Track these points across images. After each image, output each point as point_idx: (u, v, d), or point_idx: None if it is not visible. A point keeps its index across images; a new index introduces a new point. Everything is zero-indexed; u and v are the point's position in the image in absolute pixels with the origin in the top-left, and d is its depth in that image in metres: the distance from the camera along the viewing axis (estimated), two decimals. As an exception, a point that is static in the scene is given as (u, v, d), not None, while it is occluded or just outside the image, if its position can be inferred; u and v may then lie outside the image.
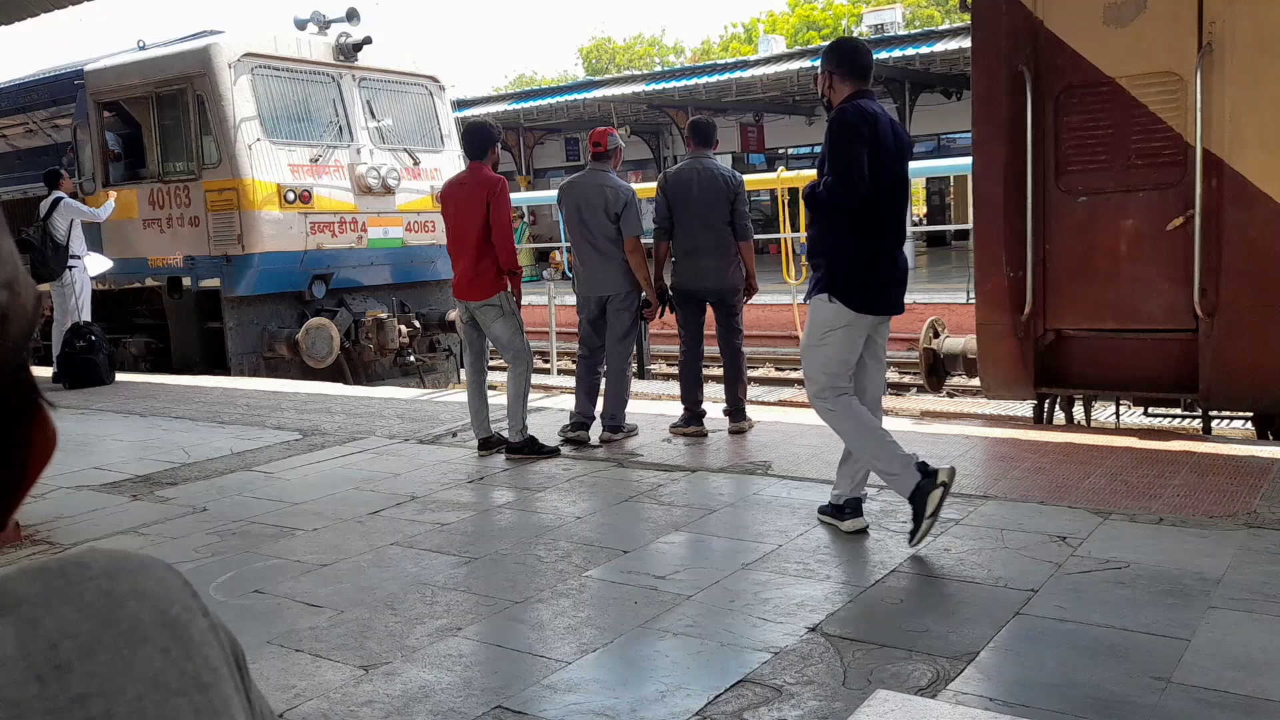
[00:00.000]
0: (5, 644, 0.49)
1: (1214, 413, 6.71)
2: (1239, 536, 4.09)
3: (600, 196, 6.28)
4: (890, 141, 4.27)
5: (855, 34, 30.90)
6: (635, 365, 13.45)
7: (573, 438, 6.32)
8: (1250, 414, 6.51)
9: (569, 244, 6.55)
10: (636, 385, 12.28)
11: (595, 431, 6.41)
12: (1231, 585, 3.60)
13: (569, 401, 6.94)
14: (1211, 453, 5.43)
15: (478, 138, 6.11)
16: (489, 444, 6.18)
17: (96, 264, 10.46)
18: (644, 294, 6.43)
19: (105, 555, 0.57)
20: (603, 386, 6.50)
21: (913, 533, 4.09)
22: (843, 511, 4.43)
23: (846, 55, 4.42)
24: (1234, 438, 6.54)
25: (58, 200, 9.93)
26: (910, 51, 20.06)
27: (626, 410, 6.50)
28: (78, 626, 0.51)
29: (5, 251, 0.49)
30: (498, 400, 6.57)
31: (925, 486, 4.07)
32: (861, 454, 4.32)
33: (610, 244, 6.30)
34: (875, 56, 20.86)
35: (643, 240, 6.44)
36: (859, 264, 4.25)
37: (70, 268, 9.93)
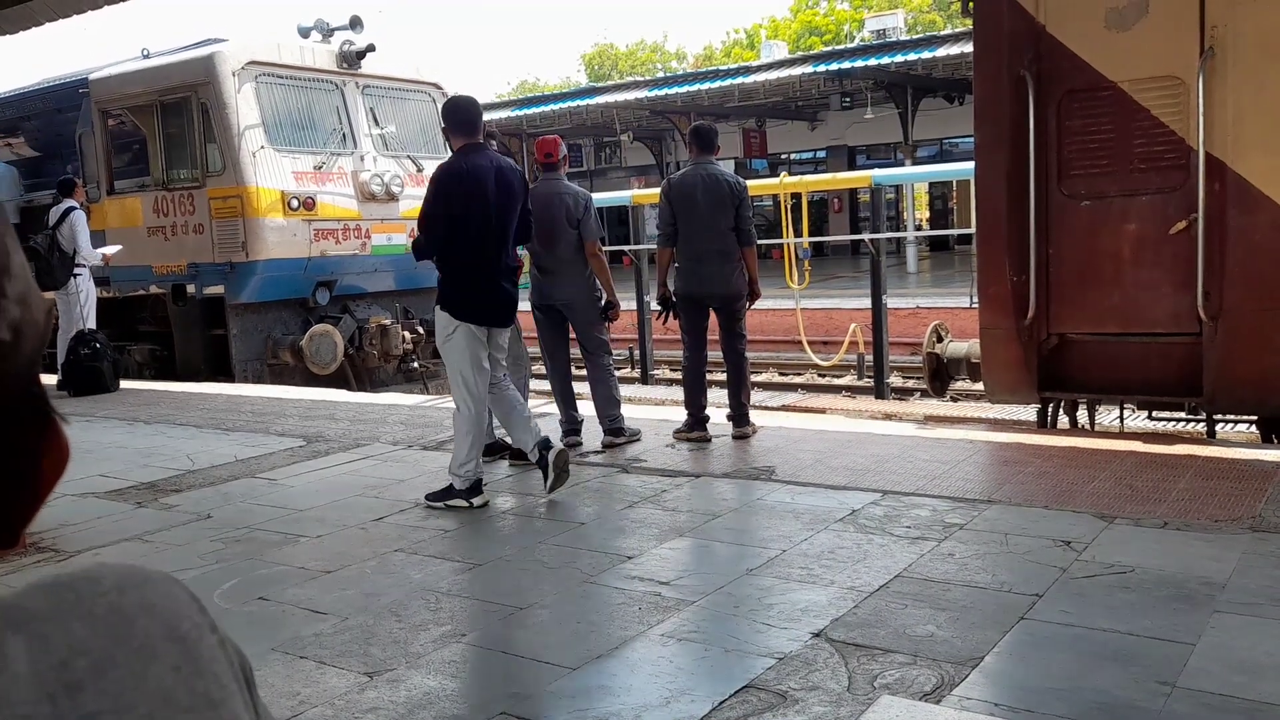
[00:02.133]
0: (17, 661, 0.48)
1: (1218, 417, 6.70)
2: (1244, 541, 4.08)
3: (560, 204, 6.28)
4: (489, 191, 5.17)
5: (858, 39, 30.96)
6: (638, 369, 13.47)
7: (566, 444, 6.34)
8: (1255, 418, 6.50)
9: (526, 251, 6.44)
10: (640, 390, 12.29)
11: (587, 435, 6.42)
12: (1237, 589, 3.59)
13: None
14: (1216, 457, 5.42)
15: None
16: (492, 450, 6.18)
17: (109, 251, 10.45)
18: (604, 297, 6.43)
19: (115, 570, 0.57)
20: (587, 391, 6.50)
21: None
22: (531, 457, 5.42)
23: (449, 113, 5.36)
24: (1239, 441, 6.53)
25: (69, 210, 9.96)
26: (912, 56, 20.07)
27: (629, 416, 6.50)
28: (89, 643, 0.50)
29: (17, 266, 0.49)
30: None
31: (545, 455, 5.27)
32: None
33: (571, 251, 6.31)
34: (878, 62, 20.83)
35: (630, 247, 6.44)
36: (457, 287, 5.26)
37: (75, 275, 9.96)
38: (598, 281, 6.41)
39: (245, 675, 0.60)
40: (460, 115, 5.30)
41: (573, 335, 6.58)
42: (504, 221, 5.28)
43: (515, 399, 5.58)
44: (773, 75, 21.88)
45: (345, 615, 3.80)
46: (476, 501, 5.23)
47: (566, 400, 6.51)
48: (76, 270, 9.98)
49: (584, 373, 6.58)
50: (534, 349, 7.00)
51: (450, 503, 5.22)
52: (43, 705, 0.47)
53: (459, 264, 5.24)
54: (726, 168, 6.81)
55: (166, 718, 0.51)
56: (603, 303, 6.42)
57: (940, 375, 7.58)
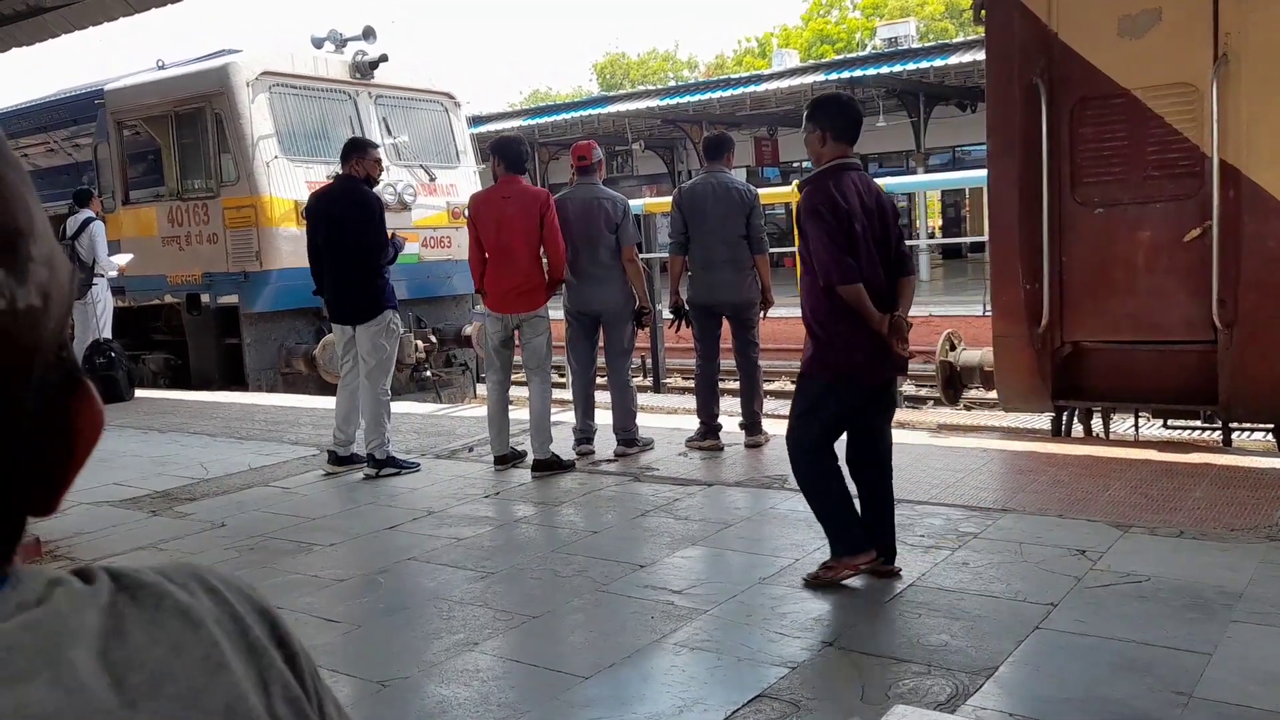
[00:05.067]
0: (85, 668, 0.45)
1: (1234, 424, 6.66)
2: (1260, 549, 4.05)
3: (598, 209, 6.26)
4: (335, 216, 6.13)
5: (870, 47, 30.93)
6: (651, 379, 13.46)
7: (579, 451, 6.35)
8: (1271, 425, 6.46)
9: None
10: (653, 399, 12.29)
11: (600, 444, 6.42)
12: (1253, 599, 3.57)
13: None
14: (1232, 465, 5.39)
15: (515, 151, 6.17)
16: (506, 460, 6.19)
17: (121, 260, 10.54)
18: (638, 303, 6.43)
19: (184, 571, 0.55)
20: (606, 400, 6.50)
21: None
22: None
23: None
24: (1255, 450, 6.49)
25: (88, 220, 10.03)
26: (924, 65, 20.06)
27: (642, 425, 6.50)
28: (148, 653, 0.48)
29: (41, 227, 0.48)
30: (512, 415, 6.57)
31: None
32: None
33: (610, 256, 6.29)
34: (890, 70, 20.76)
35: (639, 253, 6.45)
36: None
37: (92, 285, 10.02)
38: (632, 288, 6.40)
39: (316, 684, 0.57)
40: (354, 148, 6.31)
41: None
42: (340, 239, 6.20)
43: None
44: (785, 83, 21.89)
45: (358, 623, 3.81)
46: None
47: (587, 409, 6.51)
48: (94, 280, 10.04)
49: (603, 380, 6.59)
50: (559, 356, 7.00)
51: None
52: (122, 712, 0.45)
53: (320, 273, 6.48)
54: (739, 176, 6.80)
55: None
56: (636, 308, 6.42)
57: (953, 383, 7.56)
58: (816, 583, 3.96)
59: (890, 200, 4.21)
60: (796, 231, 4.22)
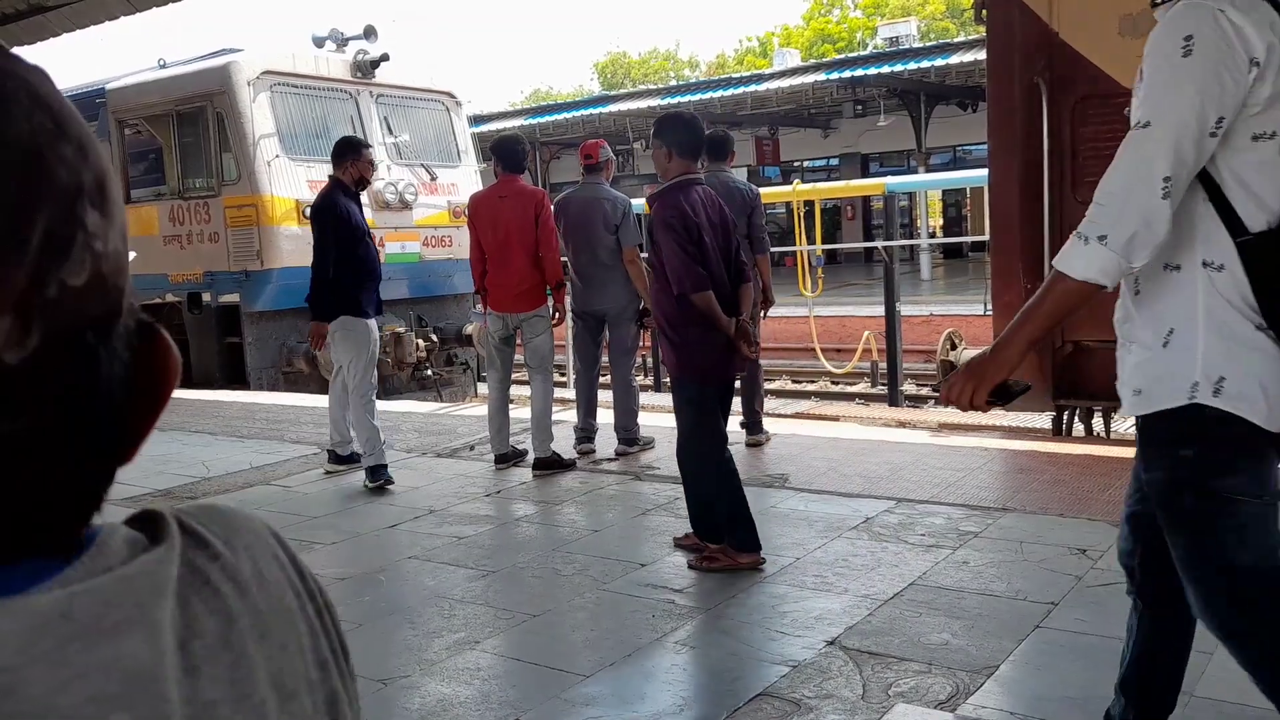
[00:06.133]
0: (166, 635, 0.45)
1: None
2: (1261, 549, 4.05)
3: (597, 209, 6.26)
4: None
5: (871, 47, 30.95)
6: (651, 378, 13.46)
7: (580, 450, 6.35)
8: (1272, 425, 6.45)
9: (564, 258, 6.47)
10: (654, 398, 12.29)
11: (601, 443, 6.42)
12: (1254, 598, 3.56)
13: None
14: (1233, 464, 5.38)
15: (515, 151, 6.15)
16: (506, 458, 6.19)
17: None
18: (643, 303, 6.42)
19: (225, 518, 0.54)
20: (607, 399, 6.50)
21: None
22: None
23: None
24: (1256, 449, 6.48)
25: None
26: (925, 64, 20.06)
27: (643, 424, 6.50)
28: (205, 622, 0.47)
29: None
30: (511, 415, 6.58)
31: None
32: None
33: (611, 256, 6.29)
34: (891, 69, 20.80)
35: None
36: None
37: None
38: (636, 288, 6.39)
39: (340, 641, 0.57)
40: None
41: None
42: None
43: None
44: (786, 83, 21.89)
45: (359, 622, 3.81)
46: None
47: (589, 408, 6.52)
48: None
49: (605, 379, 6.58)
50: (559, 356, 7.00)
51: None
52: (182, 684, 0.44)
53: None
54: (740, 175, 6.80)
55: (275, 706, 0.48)
56: (639, 308, 6.41)
57: (954, 383, 7.56)
58: (701, 566, 4.19)
59: (730, 214, 4.53)
60: (649, 240, 4.40)
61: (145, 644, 0.43)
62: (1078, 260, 1.91)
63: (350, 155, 6.07)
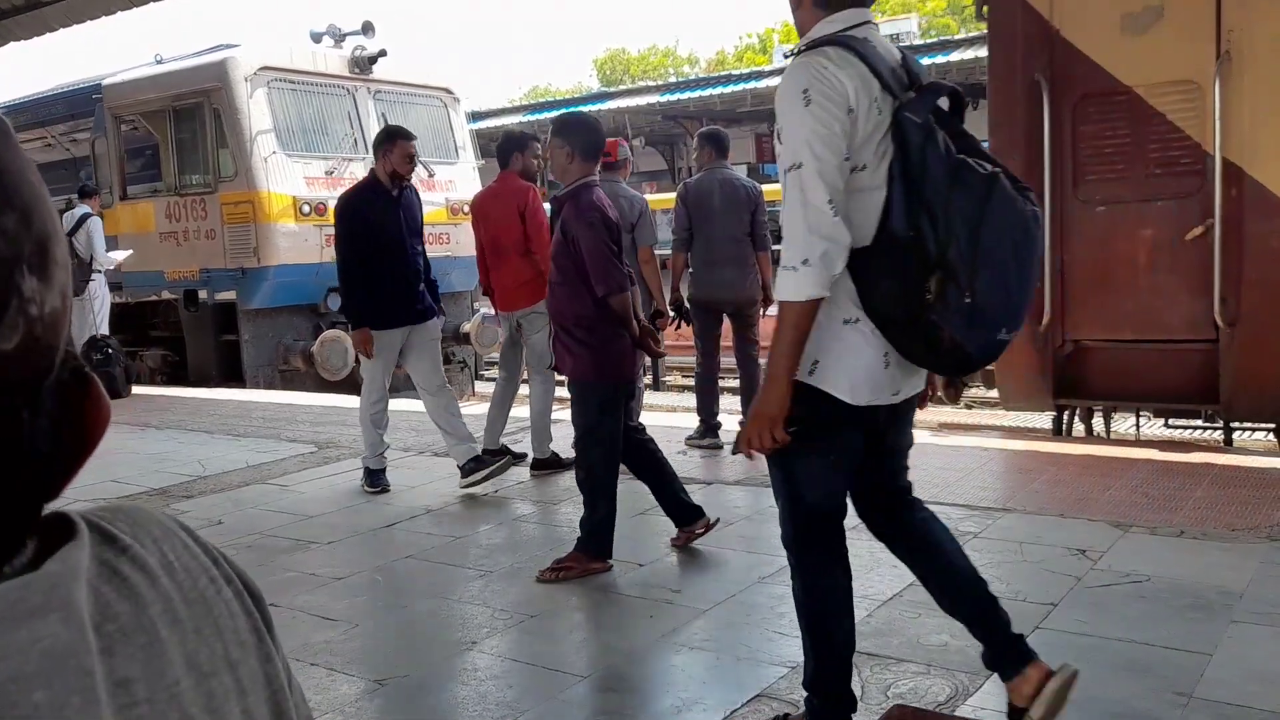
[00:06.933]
0: (82, 610, 0.47)
1: (1235, 424, 6.65)
2: (1261, 549, 4.04)
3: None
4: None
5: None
6: (650, 377, 13.44)
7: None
8: (1273, 425, 6.44)
9: None
10: (652, 397, 12.27)
11: None
12: (1254, 599, 3.55)
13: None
14: (1233, 465, 5.38)
15: (501, 147, 6.11)
16: (494, 454, 6.13)
17: (119, 256, 10.55)
18: (655, 304, 6.39)
19: (132, 515, 0.56)
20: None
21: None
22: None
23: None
24: (1256, 449, 6.48)
25: (85, 216, 10.01)
26: (926, 61, 19.99)
27: (643, 423, 6.47)
28: (118, 605, 0.49)
29: (59, 227, 0.49)
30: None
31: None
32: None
33: (628, 257, 6.24)
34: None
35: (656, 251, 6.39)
36: None
37: (90, 281, 10.00)
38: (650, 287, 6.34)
39: (264, 620, 0.59)
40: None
41: None
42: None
43: None
44: (785, 80, 21.81)
45: (356, 622, 3.79)
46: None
47: None
48: (91, 276, 10.02)
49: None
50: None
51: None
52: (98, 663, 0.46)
53: None
54: (739, 172, 6.78)
55: (191, 685, 0.50)
56: (652, 310, 6.36)
57: (954, 382, 7.53)
58: (553, 578, 4.14)
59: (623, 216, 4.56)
60: (561, 240, 4.28)
61: (62, 625, 0.45)
62: (793, 287, 2.32)
63: (384, 145, 5.61)
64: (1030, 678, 2.54)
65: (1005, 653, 2.60)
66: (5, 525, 0.48)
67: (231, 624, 0.55)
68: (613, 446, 4.27)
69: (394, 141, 5.60)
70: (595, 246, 4.13)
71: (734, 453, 4.05)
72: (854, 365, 2.40)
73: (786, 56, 2.60)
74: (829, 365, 2.41)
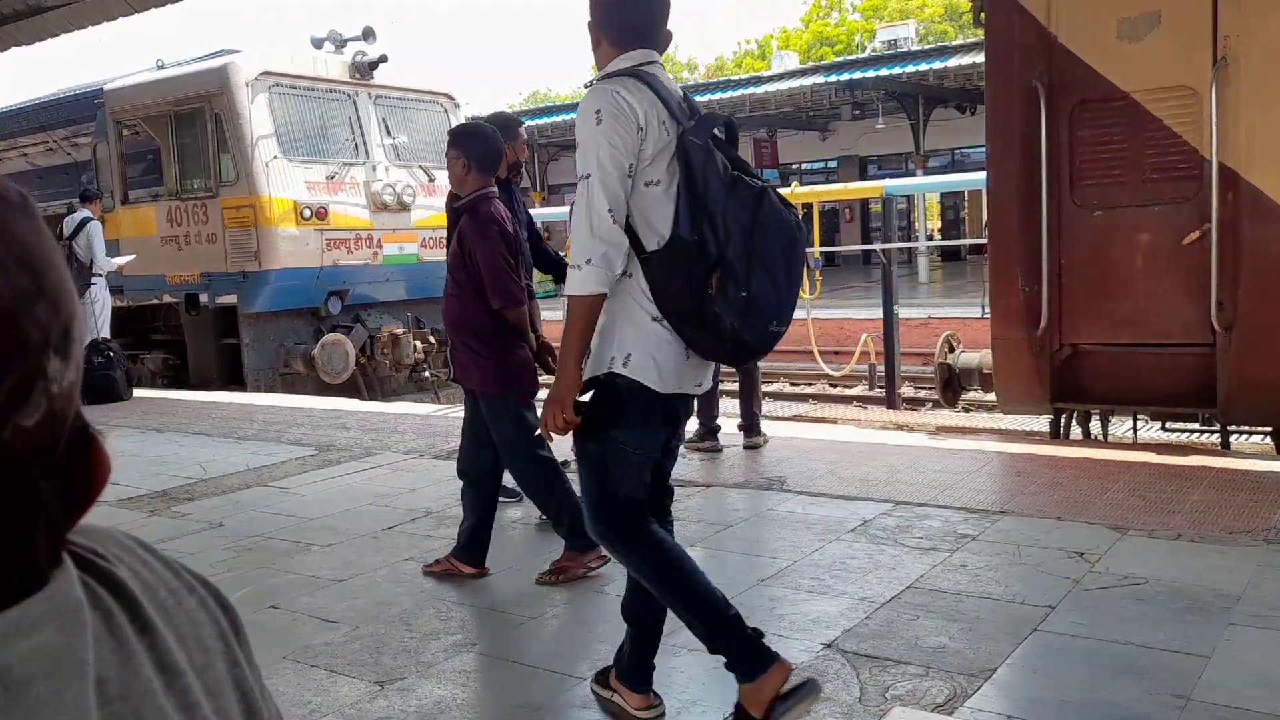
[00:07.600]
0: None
1: (1233, 427, 6.66)
2: (1258, 552, 4.05)
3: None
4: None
5: (869, 50, 30.95)
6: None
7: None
8: (1270, 428, 6.46)
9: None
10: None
11: None
12: (1251, 602, 3.57)
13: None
14: (1230, 468, 5.39)
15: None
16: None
17: (122, 260, 10.57)
18: None
19: (89, 533, 0.59)
20: None
21: None
22: None
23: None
24: (1253, 453, 6.49)
25: (85, 220, 10.04)
26: (924, 67, 20.09)
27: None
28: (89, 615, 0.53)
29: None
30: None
31: None
32: None
33: None
34: (889, 72, 20.78)
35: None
36: None
37: (90, 285, 10.02)
38: None
39: (232, 626, 0.62)
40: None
41: None
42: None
43: None
44: (784, 85, 21.91)
45: (356, 624, 3.81)
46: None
47: None
48: (92, 280, 10.04)
49: None
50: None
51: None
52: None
53: None
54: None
55: (162, 686, 0.54)
56: None
57: (952, 386, 7.56)
58: (552, 580, 4.15)
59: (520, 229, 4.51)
60: (458, 250, 4.22)
61: (58, 632, 0.49)
62: (578, 283, 2.60)
63: (506, 137, 4.98)
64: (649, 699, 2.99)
65: (642, 673, 3.01)
66: (20, 572, 0.51)
67: (194, 631, 0.59)
68: (535, 452, 4.21)
69: (514, 132, 5.35)
70: (491, 259, 4.08)
71: (535, 434, 4.04)
72: (661, 357, 2.67)
73: (585, 86, 2.94)
74: (639, 358, 2.66)
